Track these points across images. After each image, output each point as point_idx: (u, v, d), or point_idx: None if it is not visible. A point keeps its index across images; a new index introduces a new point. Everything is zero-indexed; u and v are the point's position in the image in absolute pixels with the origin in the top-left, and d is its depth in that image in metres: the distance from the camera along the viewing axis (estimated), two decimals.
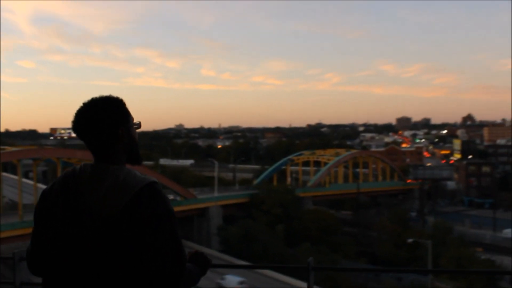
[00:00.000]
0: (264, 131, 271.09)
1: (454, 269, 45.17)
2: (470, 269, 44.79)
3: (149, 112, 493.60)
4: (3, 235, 39.64)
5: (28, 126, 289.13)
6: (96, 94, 2.42)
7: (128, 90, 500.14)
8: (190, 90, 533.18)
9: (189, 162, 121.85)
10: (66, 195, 2.31)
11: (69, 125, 2.41)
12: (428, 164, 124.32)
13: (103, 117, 2.33)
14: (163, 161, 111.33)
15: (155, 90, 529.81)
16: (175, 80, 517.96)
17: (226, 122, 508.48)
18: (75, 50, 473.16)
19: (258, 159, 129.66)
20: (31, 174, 75.64)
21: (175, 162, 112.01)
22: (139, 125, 2.53)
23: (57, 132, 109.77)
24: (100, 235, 2.20)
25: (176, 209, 34.84)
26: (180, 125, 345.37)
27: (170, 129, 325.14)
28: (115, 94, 2.45)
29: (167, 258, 2.22)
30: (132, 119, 2.49)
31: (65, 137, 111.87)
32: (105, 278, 2.20)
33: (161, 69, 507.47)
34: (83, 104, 2.38)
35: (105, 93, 2.42)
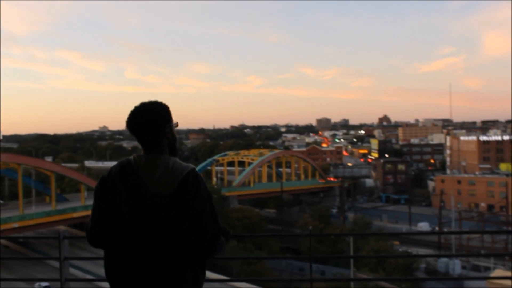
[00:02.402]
0: (188, 132, 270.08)
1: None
2: None
3: (73, 114, 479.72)
4: None
5: None
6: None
7: (50, 92, 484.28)
8: (114, 92, 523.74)
9: (114, 164, 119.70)
10: (125, 179, 2.84)
11: None
12: (349, 164, 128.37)
13: (153, 118, 2.88)
14: (88, 163, 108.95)
15: (78, 92, 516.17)
16: (98, 82, 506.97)
17: None
18: None
19: (183, 160, 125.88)
20: None
21: (100, 164, 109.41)
22: (177, 124, 3.04)
23: None
24: (156, 210, 2.74)
25: None
26: (104, 127, 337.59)
27: (94, 131, 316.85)
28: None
29: (209, 227, 2.77)
30: (173, 120, 3.00)
31: None
32: (160, 245, 2.73)
33: (84, 71, 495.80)
34: (135, 107, 2.90)
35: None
